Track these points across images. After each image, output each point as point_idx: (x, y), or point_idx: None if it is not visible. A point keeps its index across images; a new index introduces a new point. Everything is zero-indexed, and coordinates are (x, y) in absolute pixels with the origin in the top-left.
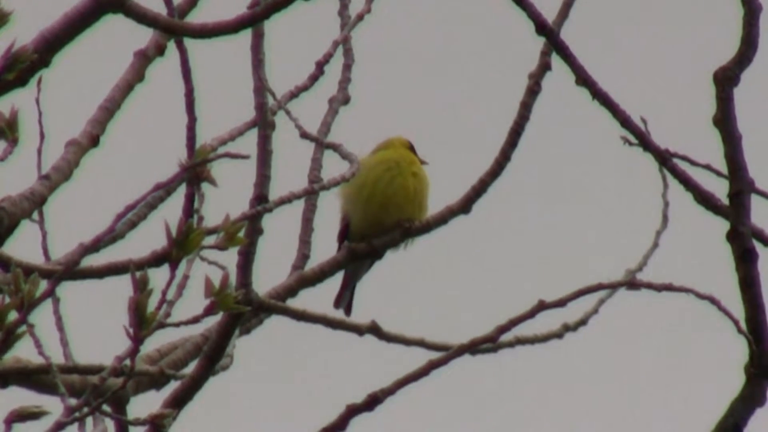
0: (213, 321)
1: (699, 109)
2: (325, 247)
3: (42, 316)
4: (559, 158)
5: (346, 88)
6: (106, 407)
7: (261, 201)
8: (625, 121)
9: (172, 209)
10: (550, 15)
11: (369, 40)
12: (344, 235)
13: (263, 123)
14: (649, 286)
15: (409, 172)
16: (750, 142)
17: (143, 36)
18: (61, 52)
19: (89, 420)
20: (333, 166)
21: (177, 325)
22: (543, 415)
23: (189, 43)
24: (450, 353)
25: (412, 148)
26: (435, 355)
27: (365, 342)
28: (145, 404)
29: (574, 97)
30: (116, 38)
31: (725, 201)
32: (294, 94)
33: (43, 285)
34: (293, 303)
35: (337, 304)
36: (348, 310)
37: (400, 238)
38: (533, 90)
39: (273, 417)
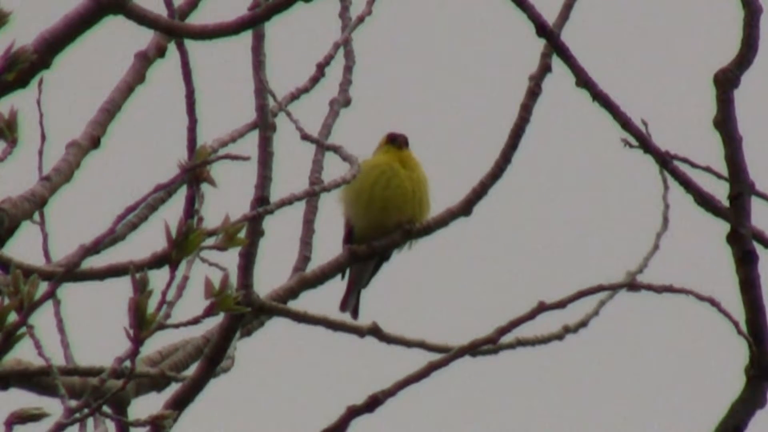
0: (214, 323)
1: (699, 111)
2: (326, 248)
3: (43, 318)
4: (560, 160)
5: (346, 90)
6: (106, 408)
7: (262, 203)
8: (625, 123)
9: (172, 211)
10: (550, 16)
11: (370, 41)
12: (349, 239)
13: (264, 125)
14: (650, 287)
15: (404, 173)
16: (750, 144)
17: (144, 37)
18: (61, 53)
19: (90, 422)
20: (334, 168)
21: (177, 326)
22: (543, 416)
23: (190, 44)
24: (450, 355)
25: (393, 139)
26: (435, 357)
27: (366, 343)
28: (146, 406)
29: (575, 99)
30: (117, 40)
31: (726, 203)
32: (295, 96)
33: (44, 287)
34: (294, 305)
35: (343, 307)
36: (355, 314)
37: (401, 239)
38: (534, 92)
39: (274, 419)
